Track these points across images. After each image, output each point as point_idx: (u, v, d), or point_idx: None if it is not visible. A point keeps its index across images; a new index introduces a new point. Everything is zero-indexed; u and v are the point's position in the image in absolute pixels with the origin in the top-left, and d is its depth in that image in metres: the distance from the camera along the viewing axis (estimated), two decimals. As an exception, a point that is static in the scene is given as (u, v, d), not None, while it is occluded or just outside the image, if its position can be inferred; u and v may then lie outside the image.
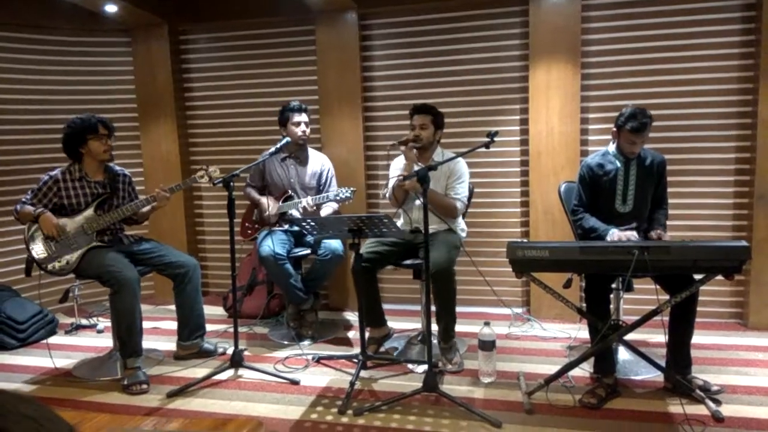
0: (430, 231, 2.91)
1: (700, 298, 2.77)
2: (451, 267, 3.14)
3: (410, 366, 3.21)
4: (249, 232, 3.82)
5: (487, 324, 3.04)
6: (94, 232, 3.21)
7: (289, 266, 3.57)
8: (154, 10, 4.30)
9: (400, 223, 3.45)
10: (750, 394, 2.78)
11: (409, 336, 3.63)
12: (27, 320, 3.80)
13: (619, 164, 3.00)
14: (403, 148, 3.27)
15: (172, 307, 3.47)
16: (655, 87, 3.75)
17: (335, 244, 3.62)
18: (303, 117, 3.70)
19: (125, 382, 3.03)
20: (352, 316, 4.12)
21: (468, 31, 4.06)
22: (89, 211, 3.22)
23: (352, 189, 3.50)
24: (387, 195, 3.45)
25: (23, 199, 3.21)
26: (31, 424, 0.42)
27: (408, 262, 3.36)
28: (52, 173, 3.24)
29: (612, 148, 3.05)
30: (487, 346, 3.01)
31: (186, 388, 2.98)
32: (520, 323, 3.90)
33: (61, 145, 3.25)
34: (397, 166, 3.46)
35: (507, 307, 3.96)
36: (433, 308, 2.97)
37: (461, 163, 3.39)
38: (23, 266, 3.20)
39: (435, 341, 3.23)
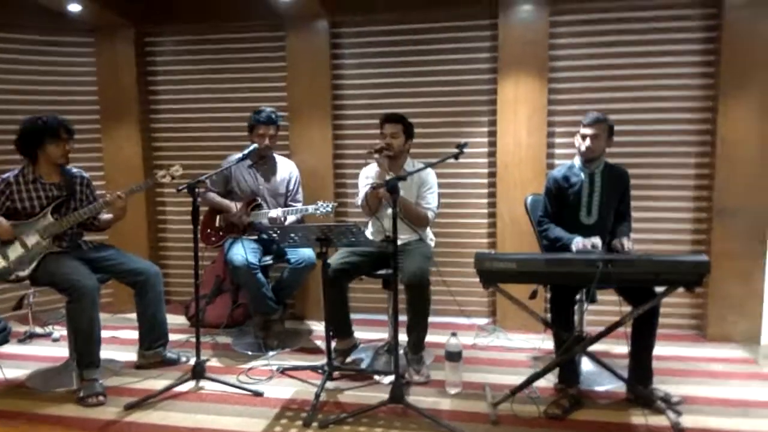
0: (403, 241, 2.90)
1: (661, 309, 2.82)
2: (426, 276, 3.12)
3: (377, 377, 3.18)
4: (213, 239, 3.74)
5: (453, 335, 3.04)
6: (51, 237, 3.09)
7: (261, 276, 3.51)
8: (120, 12, 4.21)
9: (369, 232, 3.43)
10: (710, 404, 2.84)
11: (376, 346, 3.61)
12: (-23, 329, 3.64)
13: (583, 177, 3.06)
14: (376, 155, 3.26)
15: (132, 315, 3.37)
16: (619, 103, 3.83)
17: (308, 251, 3.57)
18: (269, 130, 3.64)
19: (81, 394, 2.92)
20: (318, 325, 4.07)
21: (438, 43, 4.09)
22: (45, 215, 3.10)
23: (333, 204, 3.46)
24: (359, 203, 3.43)
25: None
26: None
27: (381, 272, 3.33)
28: (4, 176, 3.10)
29: (577, 161, 3.10)
30: (454, 357, 3.01)
31: (145, 400, 2.89)
32: (485, 334, 3.92)
33: (14, 144, 3.11)
34: (367, 174, 3.45)
35: (467, 317, 3.97)
36: (402, 318, 2.95)
37: (431, 174, 3.40)
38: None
39: (402, 352, 3.21)
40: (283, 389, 3.06)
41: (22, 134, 3.10)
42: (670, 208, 3.86)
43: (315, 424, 2.67)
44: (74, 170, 3.30)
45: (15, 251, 3.03)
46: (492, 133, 4.01)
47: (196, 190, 3.03)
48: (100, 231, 3.45)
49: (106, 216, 3.30)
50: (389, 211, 3.23)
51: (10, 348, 3.73)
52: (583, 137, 2.99)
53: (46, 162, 3.13)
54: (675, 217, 3.87)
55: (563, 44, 3.89)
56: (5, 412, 2.85)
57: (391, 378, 2.91)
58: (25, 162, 3.15)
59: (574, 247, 2.87)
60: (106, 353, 3.26)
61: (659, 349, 2.91)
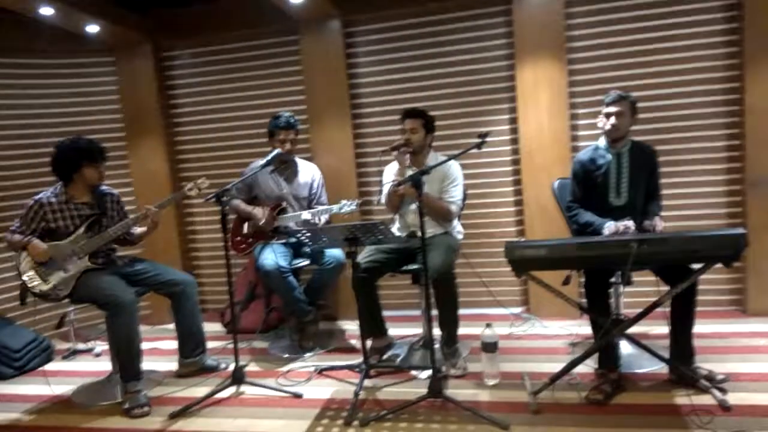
0: (427, 235, 2.89)
1: (699, 287, 2.76)
2: (450, 270, 3.12)
3: (414, 372, 3.18)
4: (243, 246, 3.78)
5: (488, 326, 3.02)
6: (87, 254, 3.16)
7: (293, 279, 3.54)
8: (135, 28, 4.28)
9: (395, 228, 3.43)
10: (754, 380, 2.77)
11: (411, 342, 3.61)
12: (22, 348, 3.74)
13: (610, 157, 3.00)
14: (395, 153, 3.25)
15: (170, 326, 3.44)
16: (642, 79, 3.76)
17: (337, 252, 3.59)
18: (289, 134, 3.66)
19: (126, 406, 2.99)
20: (352, 325, 4.09)
21: (453, 33, 4.06)
22: (79, 234, 3.17)
23: (357, 201, 3.46)
24: (382, 201, 3.43)
25: (12, 228, 3.17)
26: None
27: (407, 267, 3.33)
28: (37, 197, 3.19)
29: (602, 142, 3.05)
30: (490, 347, 3.00)
31: (188, 408, 2.94)
32: (520, 323, 3.89)
33: (50, 167, 3.20)
34: (391, 172, 3.45)
35: (503, 307, 3.93)
36: (434, 313, 2.95)
37: (454, 166, 3.38)
38: (16, 293, 3.16)
39: (437, 346, 3.21)
40: (322, 390, 3.09)
41: (59, 157, 3.18)
42: (701, 183, 3.78)
43: (356, 422, 2.68)
44: (104, 188, 3.37)
45: (54, 272, 3.10)
46: (513, 120, 3.97)
47: (223, 198, 3.07)
48: (133, 245, 3.52)
49: (139, 230, 3.37)
50: (413, 206, 3.23)
51: (55, 365, 3.83)
52: (607, 116, 2.95)
53: (82, 184, 3.22)
54: (707, 192, 3.78)
55: (580, 24, 3.83)
56: (54, 427, 2.93)
57: (428, 373, 2.91)
58: (59, 184, 3.23)
59: (606, 231, 2.83)
60: (147, 364, 3.33)
61: (699, 327, 2.85)
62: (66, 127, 4.32)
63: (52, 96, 4.43)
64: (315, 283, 3.70)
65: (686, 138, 3.76)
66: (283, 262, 3.49)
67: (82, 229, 3.18)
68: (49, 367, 3.78)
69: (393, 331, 3.58)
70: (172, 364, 3.50)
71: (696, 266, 2.63)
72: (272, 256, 3.48)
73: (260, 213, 3.64)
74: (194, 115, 4.60)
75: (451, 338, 3.21)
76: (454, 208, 3.33)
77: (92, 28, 4.08)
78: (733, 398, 2.58)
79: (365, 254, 3.32)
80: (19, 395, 3.39)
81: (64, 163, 3.17)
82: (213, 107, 4.55)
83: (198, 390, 3.16)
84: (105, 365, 3.48)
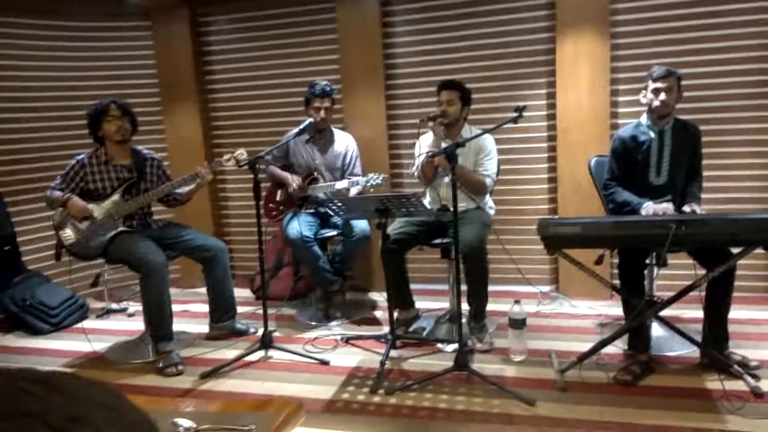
0: (461, 209, 2.87)
1: (736, 271, 2.69)
2: (482, 246, 3.10)
3: (440, 345, 3.19)
4: (274, 213, 3.81)
5: (517, 302, 3.00)
6: (122, 217, 3.22)
7: (317, 248, 3.55)
8: (173, -8, 4.28)
9: (427, 201, 3.41)
10: (790, 368, 2.71)
11: (437, 315, 3.61)
12: (59, 305, 3.86)
13: (653, 135, 2.91)
14: (431, 123, 3.21)
15: (201, 290, 3.50)
16: (688, 56, 3.62)
17: (362, 224, 3.59)
18: (324, 102, 3.63)
19: (160, 365, 3.06)
20: (379, 296, 4.11)
21: (491, 3, 3.95)
22: (116, 197, 3.23)
23: (383, 176, 3.44)
24: (415, 173, 3.40)
25: (53, 185, 3.24)
26: (110, 414, 0.39)
27: (437, 241, 3.32)
28: (79, 157, 3.26)
29: (645, 119, 2.96)
30: (518, 324, 2.98)
31: (218, 370, 3.00)
32: (548, 301, 3.85)
33: (85, 130, 3.28)
34: (425, 143, 3.41)
35: (531, 285, 3.88)
36: (463, 288, 2.94)
37: (489, 140, 3.33)
38: (53, 252, 3.24)
39: (464, 320, 3.20)
40: (348, 358, 3.12)
41: (88, 119, 3.24)
42: (744, 165, 3.65)
43: (381, 390, 2.71)
44: (145, 152, 3.42)
45: (90, 231, 3.17)
46: (551, 95, 3.88)
47: (257, 166, 3.08)
48: (182, 204, 3.53)
49: (186, 188, 3.37)
50: (446, 179, 3.20)
51: (89, 323, 3.94)
52: (656, 92, 2.82)
53: (111, 142, 3.25)
54: (750, 175, 3.65)
55: (625, -4, 3.70)
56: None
57: (454, 346, 2.91)
58: (96, 146, 3.29)
59: (644, 212, 2.76)
60: (178, 326, 3.41)
61: (733, 313, 2.79)
62: (101, 90, 4.32)
63: (87, 59, 4.47)
64: (341, 254, 3.72)
65: (730, 119, 3.63)
66: (308, 232, 3.51)
67: (119, 191, 3.23)
68: (85, 324, 3.89)
69: (420, 304, 3.59)
70: (202, 327, 3.58)
71: (735, 250, 2.56)
72: (297, 225, 3.50)
73: (293, 180, 3.65)
74: (229, 82, 4.60)
75: (479, 313, 3.20)
76: (488, 181, 3.29)
77: (130, -9, 4.10)
78: (767, 385, 2.53)
79: (396, 225, 3.31)
80: (56, 350, 3.51)
81: (90, 123, 3.23)
82: (248, 74, 4.54)
83: (228, 352, 3.23)
84: (138, 325, 3.58)
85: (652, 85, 2.84)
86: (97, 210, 3.19)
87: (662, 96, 2.81)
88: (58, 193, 3.19)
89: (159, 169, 3.44)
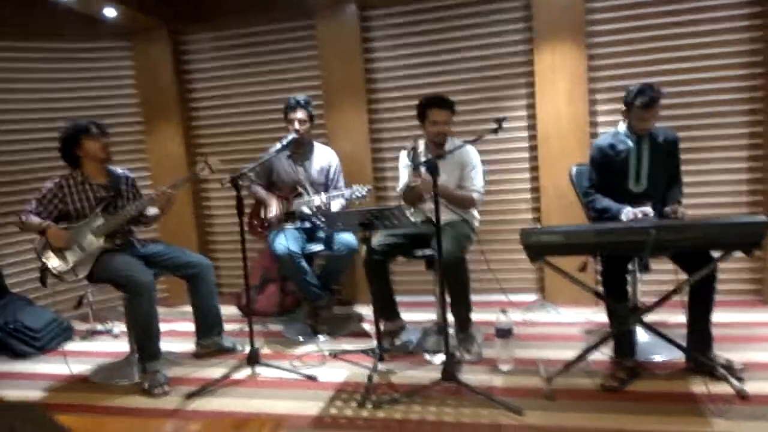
0: (443, 221, 2.88)
1: (718, 275, 2.72)
2: (461, 256, 3.11)
3: (427, 356, 3.18)
4: (259, 229, 3.80)
5: (503, 312, 3.01)
6: (104, 236, 3.19)
7: (304, 263, 3.55)
8: (152, 12, 4.27)
9: (410, 212, 3.41)
10: (774, 370, 2.74)
11: (424, 327, 3.61)
12: (43, 328, 3.81)
13: (630, 143, 2.95)
14: (418, 181, 3.10)
15: (187, 308, 3.47)
16: (663, 64, 3.69)
17: (349, 238, 3.59)
18: (298, 114, 3.63)
19: (146, 385, 3.03)
20: (365, 309, 4.10)
21: (469, 17, 4.01)
22: (96, 215, 3.20)
23: (368, 187, 3.45)
24: (399, 192, 3.41)
25: (28, 208, 3.17)
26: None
27: (419, 253, 3.33)
28: (56, 180, 3.22)
29: (622, 127, 3.00)
30: (505, 333, 2.99)
31: (204, 389, 2.97)
32: (535, 309, 3.87)
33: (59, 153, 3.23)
34: (406, 160, 3.42)
35: (515, 294, 3.90)
36: (448, 298, 2.95)
37: (473, 152, 3.35)
38: (36, 275, 3.19)
39: (451, 331, 3.20)
40: (335, 372, 3.11)
41: (61, 141, 3.21)
42: (722, 170, 3.72)
43: (369, 405, 2.69)
44: (119, 171, 3.40)
45: (73, 254, 3.13)
46: (531, 106, 3.93)
47: (240, 182, 3.08)
48: (148, 226, 3.54)
49: (153, 211, 3.39)
50: (429, 205, 3.19)
51: (74, 345, 3.89)
52: (641, 119, 2.84)
53: (90, 162, 3.22)
54: (729, 179, 3.72)
55: (600, 7, 3.76)
56: (74, 405, 2.98)
57: (441, 357, 2.91)
58: (70, 168, 3.26)
59: (624, 217, 2.79)
60: (164, 345, 3.36)
61: (718, 316, 2.82)
62: (82, 111, 4.32)
63: (68, 80, 4.45)
64: (327, 269, 3.71)
65: (707, 125, 3.70)
66: (295, 247, 3.50)
67: (98, 210, 3.20)
68: (69, 347, 3.84)
69: (406, 316, 3.58)
70: (188, 345, 3.54)
71: (715, 254, 2.59)
72: (284, 241, 3.49)
73: (274, 207, 3.65)
74: (210, 99, 4.61)
75: (464, 322, 3.20)
76: (476, 195, 3.31)
77: (109, 12, 4.08)
78: (752, 387, 2.56)
79: (379, 237, 3.32)
80: (40, 374, 3.45)
81: (66, 143, 3.19)
82: (229, 92, 4.55)
83: (214, 371, 3.20)
84: (123, 346, 3.54)
85: (638, 112, 2.82)
86: (78, 231, 3.15)
87: (648, 123, 2.85)
88: (35, 219, 3.12)
89: (133, 187, 3.42)
